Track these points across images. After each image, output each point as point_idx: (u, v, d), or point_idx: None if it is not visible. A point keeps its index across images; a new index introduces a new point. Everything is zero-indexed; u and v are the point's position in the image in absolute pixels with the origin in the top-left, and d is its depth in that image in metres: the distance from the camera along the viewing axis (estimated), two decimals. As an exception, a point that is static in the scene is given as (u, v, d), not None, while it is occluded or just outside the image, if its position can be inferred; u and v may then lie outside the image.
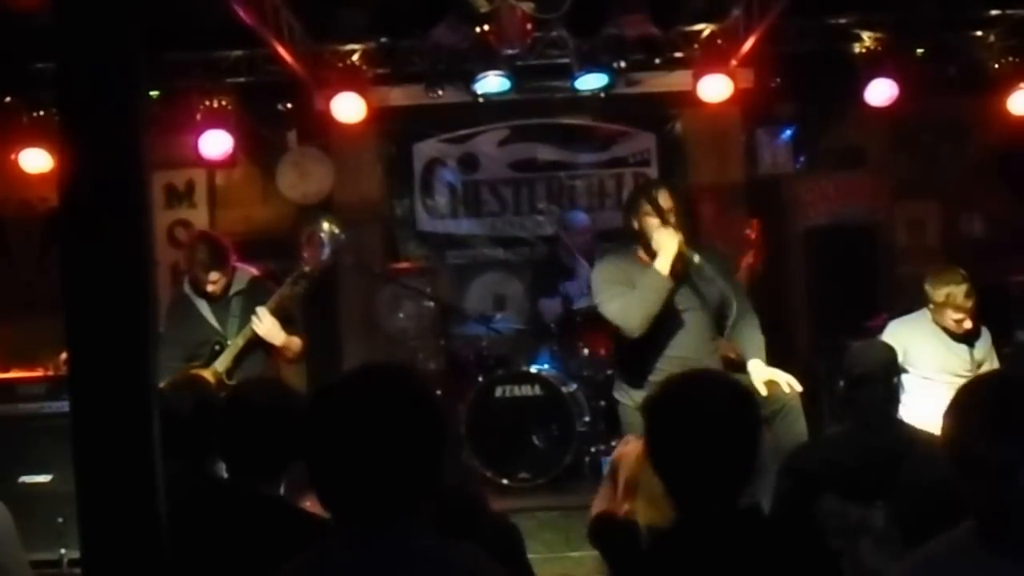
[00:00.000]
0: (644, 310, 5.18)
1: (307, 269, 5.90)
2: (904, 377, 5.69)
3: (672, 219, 5.28)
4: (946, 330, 5.77)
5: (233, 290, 6.15)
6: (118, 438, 2.49)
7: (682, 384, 2.78)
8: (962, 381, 5.72)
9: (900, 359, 5.14)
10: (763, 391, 5.27)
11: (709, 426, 2.58)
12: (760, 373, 5.37)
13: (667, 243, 5.20)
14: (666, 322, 5.36)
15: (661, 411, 2.71)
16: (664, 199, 5.35)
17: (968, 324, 5.69)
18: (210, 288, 6.05)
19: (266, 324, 5.88)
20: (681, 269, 5.28)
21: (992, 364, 5.92)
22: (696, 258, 5.24)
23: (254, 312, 5.91)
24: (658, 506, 3.69)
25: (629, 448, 3.89)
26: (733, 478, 2.60)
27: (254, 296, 6.07)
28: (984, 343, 5.89)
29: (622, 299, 5.27)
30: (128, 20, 2.57)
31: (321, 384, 2.26)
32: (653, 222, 5.29)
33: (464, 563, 2.17)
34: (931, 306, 5.77)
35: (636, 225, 5.39)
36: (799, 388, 5.32)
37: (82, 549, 2.52)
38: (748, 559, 2.52)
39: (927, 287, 5.77)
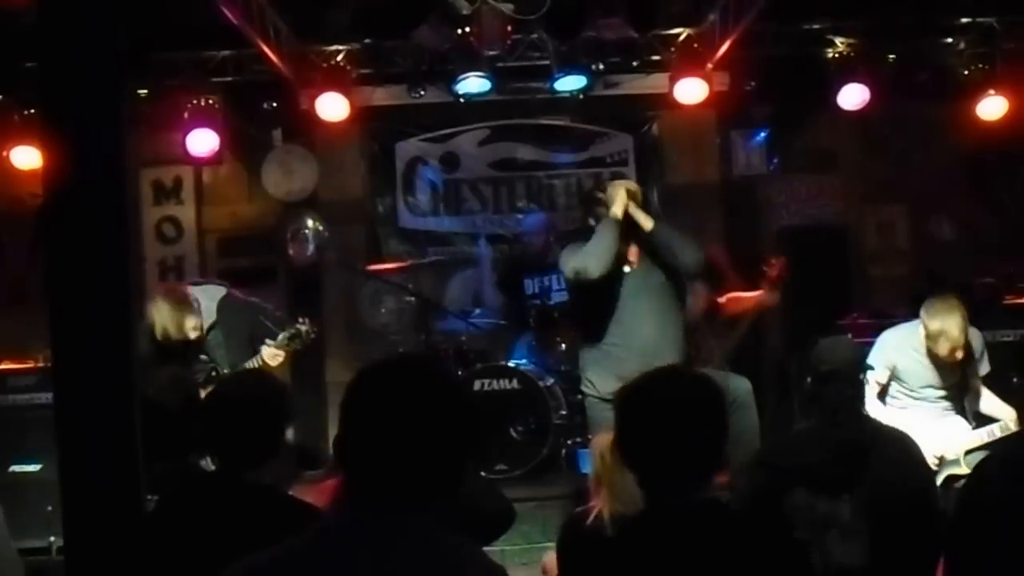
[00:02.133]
0: (598, 248, 5.56)
1: (302, 329, 5.90)
2: (893, 390, 5.83)
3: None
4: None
5: (207, 323, 6.02)
6: (101, 428, 2.54)
7: (652, 378, 2.85)
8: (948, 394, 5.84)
9: (888, 374, 5.51)
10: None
11: (675, 418, 2.66)
12: None
13: (617, 193, 5.68)
14: (622, 312, 5.69)
15: (630, 403, 2.78)
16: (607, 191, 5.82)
17: (960, 355, 5.61)
18: (194, 336, 5.89)
19: (280, 359, 5.88)
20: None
21: (983, 365, 5.87)
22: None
23: (263, 343, 5.88)
24: (621, 498, 3.84)
25: (596, 440, 4.03)
26: (698, 470, 2.68)
27: (230, 320, 6.05)
28: (976, 345, 5.81)
29: (579, 250, 5.65)
30: (110, 19, 2.61)
31: (365, 366, 2.22)
32: (602, 210, 5.70)
33: (464, 564, 2.13)
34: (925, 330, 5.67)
35: (592, 221, 5.77)
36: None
37: (65, 534, 2.59)
38: (711, 549, 2.59)
39: (923, 313, 5.66)
